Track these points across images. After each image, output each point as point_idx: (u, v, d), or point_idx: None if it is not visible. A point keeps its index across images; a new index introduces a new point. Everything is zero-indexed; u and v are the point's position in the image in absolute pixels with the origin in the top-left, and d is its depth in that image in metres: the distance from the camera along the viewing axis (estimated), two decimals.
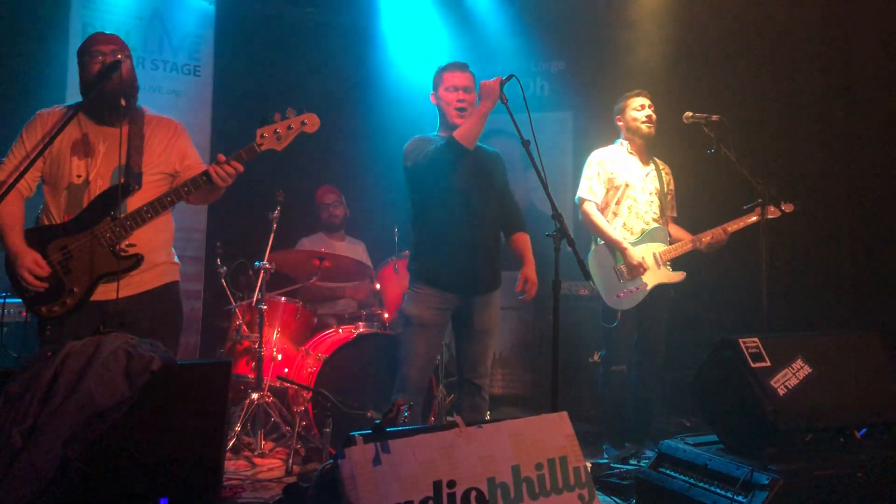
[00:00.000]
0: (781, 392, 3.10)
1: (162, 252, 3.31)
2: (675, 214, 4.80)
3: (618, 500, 3.61)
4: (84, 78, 3.17)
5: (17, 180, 3.00)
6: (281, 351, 4.91)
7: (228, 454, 4.40)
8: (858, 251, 5.40)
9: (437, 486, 2.42)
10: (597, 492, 2.74)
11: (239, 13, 6.44)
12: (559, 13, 6.46)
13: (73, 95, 3.36)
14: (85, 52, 3.18)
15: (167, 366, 2.61)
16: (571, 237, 3.13)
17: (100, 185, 3.15)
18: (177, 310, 3.39)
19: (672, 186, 4.80)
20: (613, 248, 4.52)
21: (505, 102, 3.41)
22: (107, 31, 3.38)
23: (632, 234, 4.57)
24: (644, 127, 4.62)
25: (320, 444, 4.33)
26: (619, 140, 4.75)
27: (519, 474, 2.58)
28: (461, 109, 3.70)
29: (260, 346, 4.68)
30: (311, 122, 3.21)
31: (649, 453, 4.23)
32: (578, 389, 5.41)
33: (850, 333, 3.55)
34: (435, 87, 3.81)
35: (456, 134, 3.54)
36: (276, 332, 4.94)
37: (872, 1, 5.36)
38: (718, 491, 2.97)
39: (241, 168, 3.14)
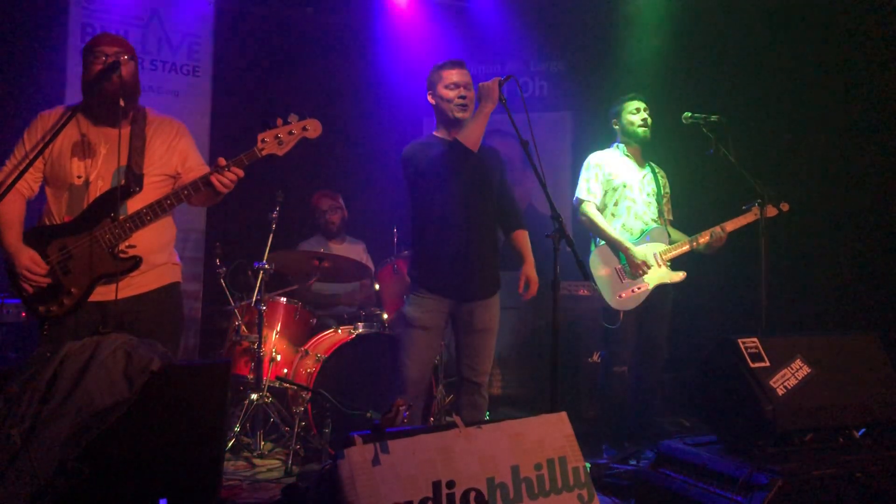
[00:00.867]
0: (780, 392, 3.10)
1: (163, 253, 3.30)
2: (671, 218, 4.80)
3: (617, 501, 3.61)
4: (85, 78, 3.17)
5: (15, 180, 2.99)
6: (280, 351, 4.91)
7: (228, 455, 4.40)
8: (857, 251, 5.40)
9: (436, 486, 2.42)
10: (596, 492, 2.74)
11: (238, 14, 6.44)
12: (558, 13, 6.47)
13: (73, 96, 3.37)
14: (89, 52, 3.17)
15: (166, 366, 2.61)
16: (570, 237, 3.13)
17: (100, 186, 3.14)
18: (177, 311, 3.38)
19: (667, 190, 4.81)
20: (616, 247, 4.52)
21: (504, 103, 3.40)
22: (106, 31, 3.38)
23: (631, 234, 4.58)
24: (640, 130, 4.64)
25: (319, 444, 4.33)
26: (616, 143, 4.76)
27: (518, 474, 2.58)
28: (462, 106, 3.68)
29: (259, 347, 4.68)
30: (313, 127, 3.20)
31: (649, 453, 4.23)
32: (578, 389, 5.41)
33: (849, 333, 3.56)
34: (432, 86, 3.78)
35: (460, 137, 3.53)
36: (275, 332, 4.94)
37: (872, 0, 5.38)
38: (718, 491, 2.97)
39: (241, 173, 3.13)
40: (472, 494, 2.47)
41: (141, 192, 3.18)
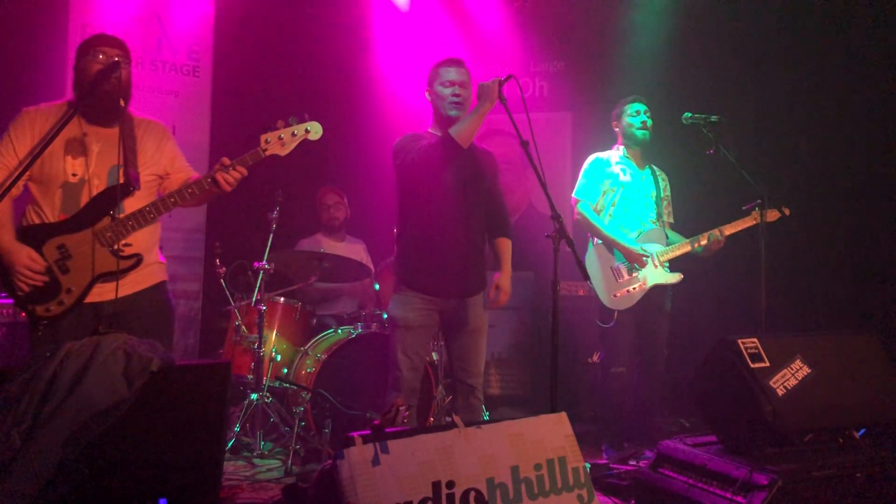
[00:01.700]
0: (780, 392, 3.10)
1: (153, 252, 3.31)
2: (671, 221, 4.80)
3: (617, 501, 3.61)
4: (83, 77, 3.15)
5: (13, 184, 2.97)
6: (280, 351, 4.91)
7: (227, 455, 4.40)
8: (857, 251, 5.40)
9: (435, 486, 2.42)
10: (595, 492, 2.74)
11: (238, 13, 6.43)
12: (558, 13, 6.46)
13: (73, 96, 3.34)
14: (87, 52, 3.16)
15: (166, 366, 2.62)
16: (570, 238, 3.13)
17: (97, 184, 3.13)
18: (168, 309, 3.39)
19: (668, 193, 4.81)
20: (611, 245, 4.53)
21: (504, 103, 3.40)
22: (106, 32, 3.38)
23: (629, 235, 4.58)
24: (639, 133, 4.66)
25: (319, 444, 4.33)
26: (616, 145, 4.77)
27: (518, 475, 2.58)
28: (456, 104, 3.67)
29: (259, 347, 4.68)
30: (314, 130, 3.23)
31: (648, 454, 4.23)
32: (577, 390, 5.42)
33: (849, 334, 3.55)
34: (429, 83, 3.76)
35: (452, 131, 3.50)
36: (275, 332, 4.94)
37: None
38: (717, 491, 2.97)
39: (245, 173, 3.15)
40: (472, 494, 2.47)
41: (137, 191, 3.18)
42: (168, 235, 3.47)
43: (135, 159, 3.20)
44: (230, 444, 4.51)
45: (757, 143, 5.54)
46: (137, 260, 3.15)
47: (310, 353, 4.70)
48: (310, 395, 4.41)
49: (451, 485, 2.44)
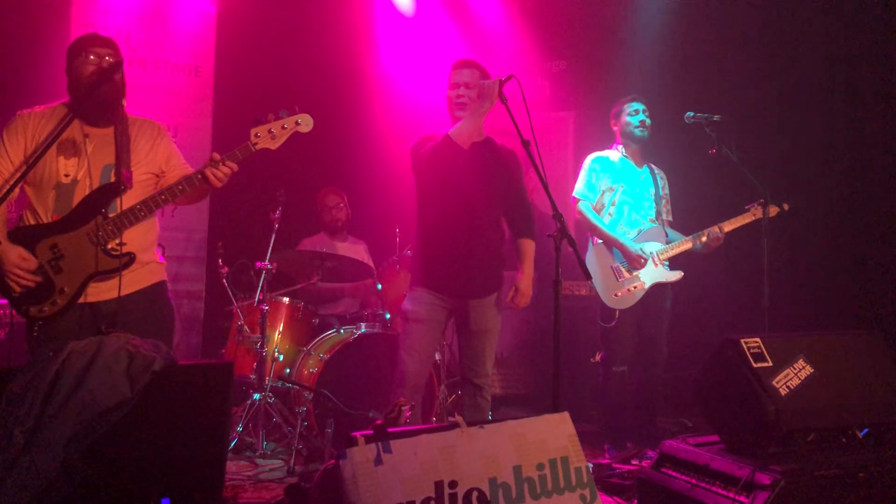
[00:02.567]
0: (783, 392, 3.09)
1: (149, 251, 3.30)
2: (670, 219, 4.80)
3: (619, 501, 3.61)
4: (76, 78, 3.13)
5: (11, 189, 2.97)
6: (282, 351, 4.91)
7: (230, 454, 4.41)
8: (861, 250, 5.39)
9: (438, 486, 2.42)
10: (598, 492, 2.74)
11: (240, 13, 6.43)
12: (561, 13, 6.46)
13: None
14: (78, 53, 3.14)
15: (169, 366, 2.62)
16: (572, 237, 3.13)
17: (89, 184, 3.12)
18: (167, 309, 3.38)
19: (666, 191, 4.81)
20: (610, 244, 4.54)
21: (504, 102, 3.40)
22: (108, 31, 3.38)
23: (629, 234, 4.58)
24: (638, 132, 4.66)
25: (321, 444, 4.33)
26: (615, 145, 4.78)
27: (520, 474, 2.58)
28: (461, 104, 3.69)
29: (262, 347, 4.69)
30: (305, 122, 3.21)
31: (651, 453, 4.23)
32: (580, 389, 5.42)
33: (852, 333, 3.54)
34: (447, 85, 3.82)
35: (451, 133, 3.54)
36: (277, 332, 4.94)
37: None
38: (720, 491, 2.97)
39: (235, 167, 3.13)
40: (475, 494, 2.47)
41: (130, 190, 3.17)
42: (171, 235, 3.47)
43: (128, 158, 3.18)
44: (233, 444, 4.52)
45: (759, 143, 5.53)
46: (130, 259, 3.13)
47: (312, 352, 4.70)
48: (312, 394, 4.42)
49: (453, 484, 2.44)
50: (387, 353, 4.55)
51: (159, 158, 3.31)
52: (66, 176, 3.11)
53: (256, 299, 4.82)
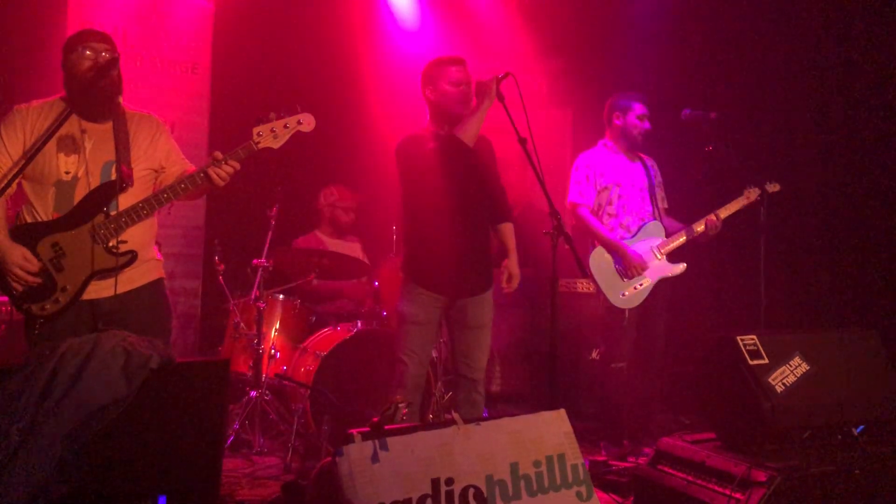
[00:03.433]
0: (779, 389, 3.11)
1: (149, 249, 3.30)
2: (665, 206, 4.80)
3: (616, 498, 3.62)
4: (73, 73, 3.11)
5: (7, 185, 2.96)
6: (279, 348, 4.91)
7: (226, 452, 4.40)
8: (857, 247, 5.39)
9: (435, 483, 2.43)
10: (595, 489, 2.74)
11: (237, 10, 6.42)
12: (558, 10, 6.46)
13: None
14: (74, 48, 3.11)
15: (166, 364, 2.62)
16: (569, 234, 3.13)
17: (90, 181, 3.11)
18: (166, 306, 3.37)
19: (660, 178, 4.81)
20: (611, 249, 4.51)
21: (501, 100, 3.41)
22: (105, 28, 3.36)
23: (629, 232, 4.58)
24: (640, 138, 4.65)
25: (318, 441, 4.33)
26: (603, 141, 4.75)
27: (517, 472, 2.58)
28: (465, 102, 3.67)
29: (258, 344, 4.68)
30: (307, 121, 3.20)
31: (647, 450, 4.23)
32: (577, 387, 5.41)
33: (847, 331, 3.56)
34: (432, 82, 3.75)
35: (457, 131, 3.54)
36: (274, 329, 4.94)
37: None
38: (716, 488, 2.98)
39: (238, 167, 3.13)
40: (471, 491, 2.48)
41: (130, 187, 3.17)
42: (167, 233, 3.47)
43: (128, 155, 3.17)
44: (229, 441, 4.51)
45: (756, 140, 5.53)
46: (132, 257, 3.13)
47: (309, 350, 4.70)
48: (309, 392, 4.41)
49: (450, 482, 2.45)
50: (384, 351, 4.55)
51: (159, 154, 3.30)
52: (67, 173, 3.10)
53: (253, 296, 4.82)
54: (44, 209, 3.09)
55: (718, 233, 4.56)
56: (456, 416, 2.62)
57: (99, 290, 3.10)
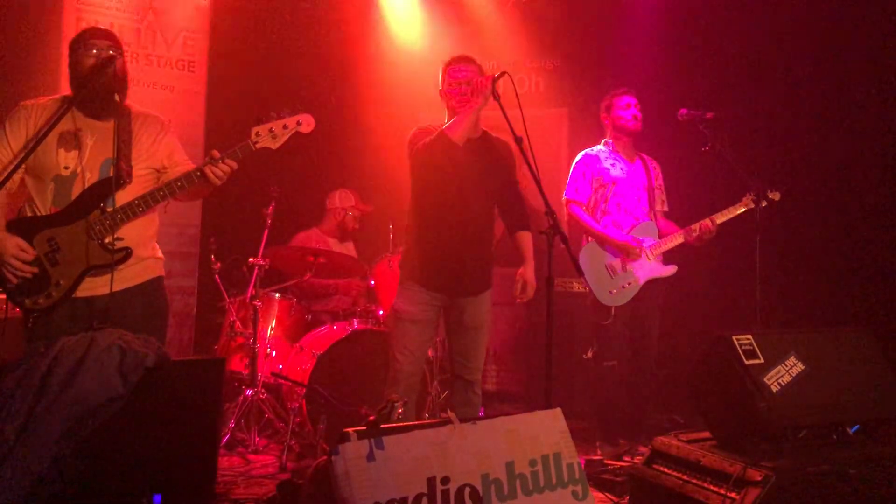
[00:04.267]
0: (775, 389, 3.11)
1: (148, 247, 3.30)
2: (665, 209, 4.81)
3: (611, 497, 3.62)
4: (77, 71, 3.14)
5: (6, 179, 2.97)
6: (275, 347, 4.90)
7: (222, 450, 4.40)
8: (852, 247, 5.41)
9: (430, 482, 2.42)
10: (590, 488, 2.74)
11: (233, 8, 6.41)
12: (554, 9, 6.45)
13: (68, 90, 3.33)
14: (79, 46, 3.15)
15: (161, 362, 2.61)
16: (565, 234, 3.13)
17: (88, 177, 3.12)
18: (164, 305, 3.37)
19: (660, 181, 4.82)
20: (603, 242, 4.54)
21: (497, 99, 3.41)
22: (100, 25, 3.37)
23: (621, 230, 4.60)
24: (630, 125, 4.66)
25: (314, 440, 4.33)
26: (605, 139, 4.78)
27: (513, 470, 2.58)
28: (463, 101, 3.68)
29: (254, 343, 4.68)
30: (307, 122, 3.20)
31: (643, 450, 4.24)
32: (572, 386, 5.42)
33: (843, 330, 3.56)
34: (440, 80, 3.80)
35: (446, 128, 3.54)
36: (270, 328, 4.94)
37: None
38: (711, 487, 2.98)
39: (235, 166, 3.13)
40: (467, 490, 2.47)
41: (129, 185, 3.17)
42: (163, 231, 3.45)
43: (128, 153, 3.18)
44: (225, 440, 4.51)
45: (752, 140, 5.54)
46: (127, 254, 3.13)
47: (305, 348, 4.69)
48: (305, 390, 4.41)
49: (445, 480, 2.45)
50: (379, 349, 4.55)
51: (161, 154, 3.31)
52: (66, 168, 3.11)
53: (249, 295, 4.81)
54: (43, 204, 3.11)
55: (712, 237, 4.57)
56: (452, 415, 2.62)
57: (94, 287, 3.10)
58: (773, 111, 5.70)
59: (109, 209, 3.09)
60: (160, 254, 3.40)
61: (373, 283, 5.26)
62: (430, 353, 4.82)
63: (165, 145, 3.33)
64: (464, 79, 3.70)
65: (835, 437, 3.21)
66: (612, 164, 4.67)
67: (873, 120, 5.34)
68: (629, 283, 4.52)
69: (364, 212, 5.79)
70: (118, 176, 3.11)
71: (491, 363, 5.94)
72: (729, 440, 3.19)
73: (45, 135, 3.00)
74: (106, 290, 3.09)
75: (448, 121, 3.77)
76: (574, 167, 4.72)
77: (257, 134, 3.13)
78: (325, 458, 2.41)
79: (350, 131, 6.57)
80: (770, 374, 3.14)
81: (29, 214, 3.11)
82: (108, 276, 3.08)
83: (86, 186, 3.10)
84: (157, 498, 2.56)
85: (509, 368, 6.03)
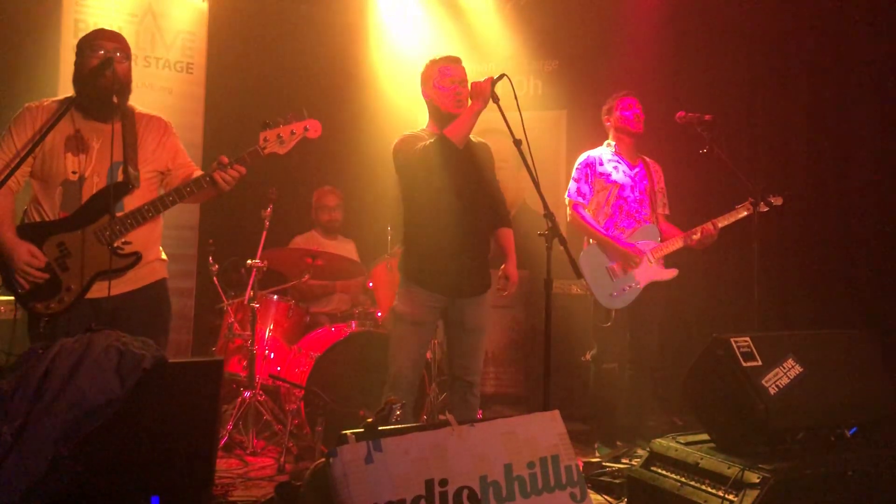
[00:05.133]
0: (773, 391, 3.11)
1: (153, 249, 3.31)
2: (667, 212, 4.81)
3: (609, 499, 3.62)
4: (80, 71, 3.16)
5: (7, 177, 2.98)
6: (273, 349, 4.90)
7: (220, 452, 4.40)
8: (850, 249, 5.41)
9: (429, 484, 2.42)
10: (588, 491, 2.74)
11: (232, 10, 6.41)
12: (553, 12, 6.46)
13: (66, 92, 3.34)
14: (86, 46, 3.16)
15: (159, 364, 2.61)
16: (563, 236, 3.14)
17: (96, 182, 3.14)
18: (167, 307, 3.39)
19: (662, 185, 4.83)
20: (603, 244, 4.54)
21: (496, 102, 3.41)
22: (103, 28, 3.38)
23: (623, 233, 4.59)
24: (631, 126, 4.66)
25: (312, 442, 4.33)
26: (608, 141, 4.78)
27: (511, 473, 2.58)
28: (459, 102, 3.67)
29: (252, 345, 4.68)
30: (314, 128, 3.22)
31: (641, 452, 4.24)
32: (570, 388, 5.42)
33: (841, 332, 3.57)
34: (428, 81, 3.76)
35: (447, 132, 3.53)
36: (268, 330, 4.93)
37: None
38: (709, 490, 2.98)
39: (244, 171, 3.14)
40: (465, 493, 2.47)
41: (136, 189, 3.18)
42: (162, 232, 3.47)
43: (135, 156, 3.19)
44: (223, 442, 4.51)
45: (750, 142, 5.54)
46: (136, 258, 3.15)
47: (303, 350, 4.69)
48: (303, 392, 4.41)
49: (444, 483, 2.44)
50: (378, 351, 4.54)
51: (165, 156, 3.32)
52: (74, 173, 3.13)
53: (247, 297, 4.81)
54: (50, 208, 3.12)
55: (714, 241, 4.57)
56: (450, 417, 2.62)
57: (102, 289, 3.11)
58: (771, 113, 5.71)
59: (119, 214, 3.10)
60: (164, 255, 3.41)
61: (371, 284, 5.26)
62: (428, 355, 4.82)
63: (169, 148, 3.34)
64: (459, 79, 3.70)
65: (833, 439, 3.21)
66: (615, 167, 4.67)
67: (871, 123, 5.35)
68: (630, 286, 4.51)
69: (334, 200, 5.77)
70: (126, 181, 3.13)
71: (489, 365, 5.94)
72: (727, 442, 3.20)
73: (45, 135, 3.00)
74: (114, 293, 3.10)
75: (433, 120, 3.76)
76: (576, 168, 4.72)
77: (266, 139, 3.14)
78: (323, 460, 2.41)
79: (349, 133, 6.57)
80: (768, 377, 3.14)
81: (36, 219, 3.13)
82: (118, 279, 3.10)
83: (94, 191, 3.12)
84: (155, 500, 2.55)
85: (507, 370, 6.03)
